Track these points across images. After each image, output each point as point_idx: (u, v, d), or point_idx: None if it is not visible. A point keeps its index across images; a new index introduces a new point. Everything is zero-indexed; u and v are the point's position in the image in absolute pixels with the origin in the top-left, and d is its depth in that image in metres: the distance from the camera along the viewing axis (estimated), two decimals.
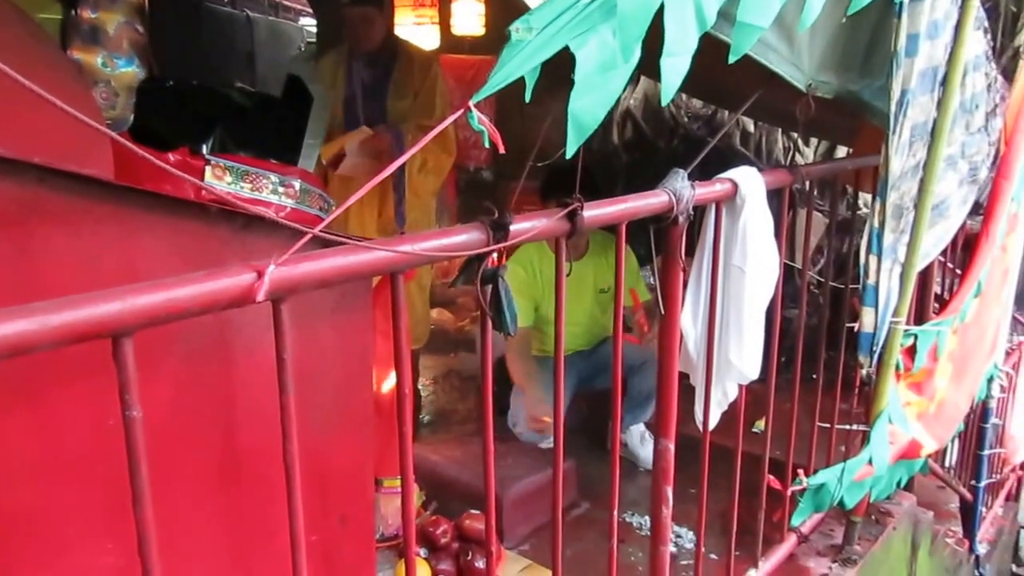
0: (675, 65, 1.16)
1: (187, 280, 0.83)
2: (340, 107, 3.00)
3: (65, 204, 1.09)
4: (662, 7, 1.12)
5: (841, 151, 4.03)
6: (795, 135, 4.20)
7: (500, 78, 0.97)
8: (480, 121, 0.96)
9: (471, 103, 0.96)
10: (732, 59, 1.29)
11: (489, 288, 1.11)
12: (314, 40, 5.88)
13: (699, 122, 4.50)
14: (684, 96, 4.40)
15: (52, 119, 1.09)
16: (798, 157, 4.29)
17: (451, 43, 4.16)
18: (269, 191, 1.35)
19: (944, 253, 2.75)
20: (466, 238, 1.08)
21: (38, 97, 1.04)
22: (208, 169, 1.28)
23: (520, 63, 0.98)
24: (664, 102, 1.17)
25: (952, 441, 3.24)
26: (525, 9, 3.48)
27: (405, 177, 2.97)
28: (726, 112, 4.30)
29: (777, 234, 1.70)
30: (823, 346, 2.33)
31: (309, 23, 6.71)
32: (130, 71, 1.31)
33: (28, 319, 0.71)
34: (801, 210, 3.19)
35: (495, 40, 4.25)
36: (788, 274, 2.88)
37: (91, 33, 1.27)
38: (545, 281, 2.80)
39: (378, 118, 2.97)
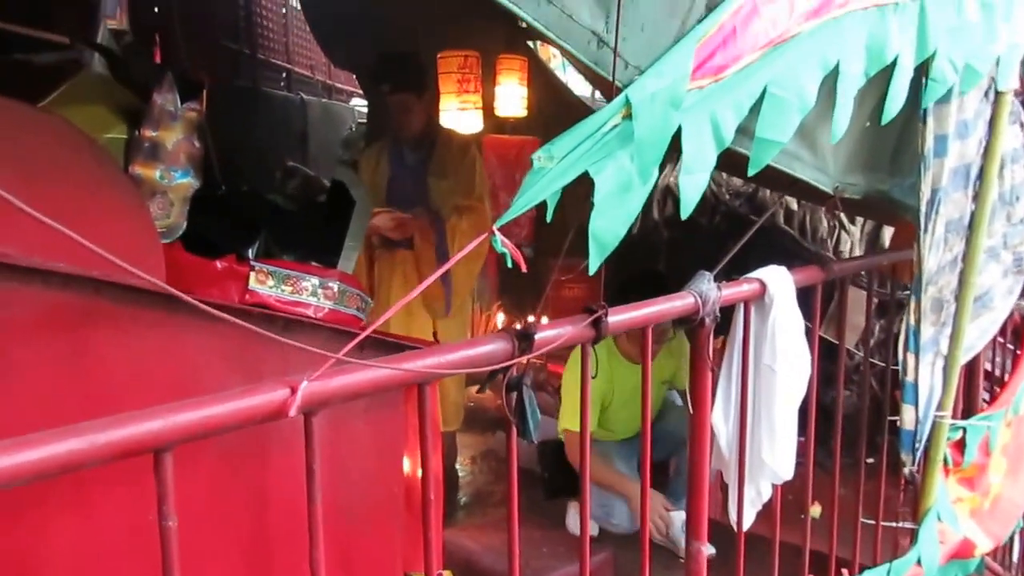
0: (694, 182, 1.22)
1: (223, 397, 0.90)
2: (384, 187, 3.16)
3: (119, 311, 1.19)
4: (679, 129, 1.19)
5: (890, 229, 4.01)
6: (840, 213, 4.20)
7: (523, 202, 1.05)
8: (503, 244, 1.04)
9: (495, 227, 1.03)
10: (751, 172, 1.34)
11: (514, 396, 1.17)
12: (364, 120, 6.15)
13: (740, 199, 4.53)
14: (724, 175, 4.46)
15: (110, 233, 1.20)
16: (843, 235, 4.28)
17: (495, 124, 4.35)
18: (309, 293, 1.44)
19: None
20: (492, 348, 1.14)
21: (98, 214, 1.15)
22: (252, 275, 1.38)
23: (542, 188, 1.06)
24: (683, 216, 1.23)
25: (1012, 537, 3.13)
26: (565, 92, 3.63)
27: (452, 269, 3.06)
28: (768, 190, 4.34)
29: (809, 332, 1.73)
30: (864, 430, 2.29)
31: (360, 103, 7.02)
32: (185, 182, 1.43)
33: (77, 438, 0.79)
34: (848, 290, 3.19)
35: (537, 121, 4.42)
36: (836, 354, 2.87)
37: (152, 150, 1.40)
38: (616, 382, 2.81)
39: (419, 196, 3.12)
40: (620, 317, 1.31)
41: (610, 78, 1.09)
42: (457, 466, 3.63)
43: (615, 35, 1.06)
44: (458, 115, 3.99)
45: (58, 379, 1.15)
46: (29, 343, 1.11)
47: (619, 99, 1.11)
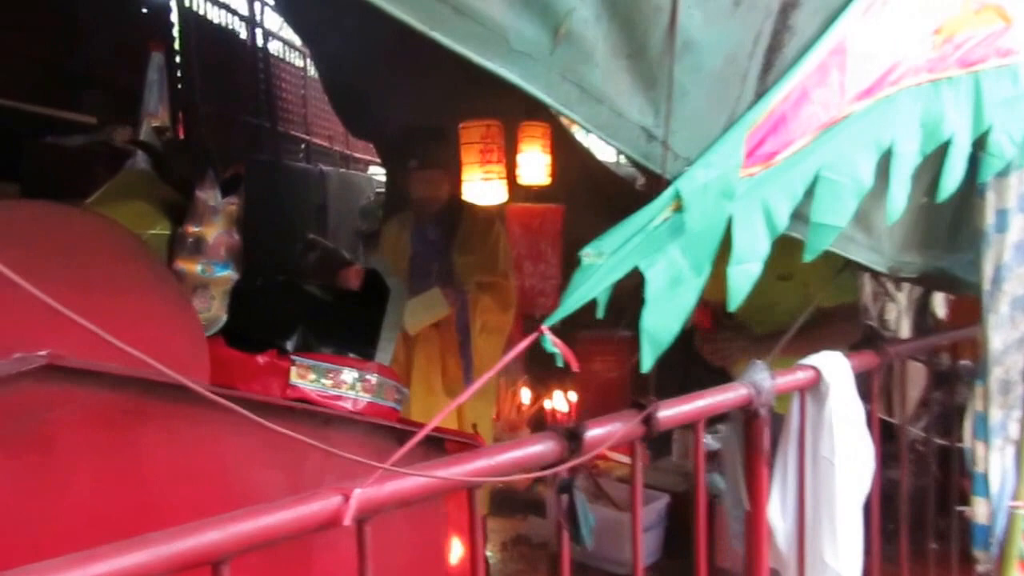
0: (745, 272, 1.28)
1: (279, 506, 0.96)
2: (406, 264, 3.27)
3: (168, 409, 1.28)
4: (731, 219, 1.25)
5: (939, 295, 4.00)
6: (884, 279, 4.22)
7: (573, 301, 1.11)
8: (553, 343, 1.10)
9: (544, 327, 1.09)
10: (808, 258, 1.40)
11: (565, 498, 1.21)
12: (383, 190, 6.33)
13: None
14: None
15: (159, 333, 1.29)
16: (890, 306, 4.28)
17: (518, 193, 4.51)
18: (348, 387, 1.51)
19: None
20: (540, 448, 1.18)
21: (148, 314, 1.24)
22: (293, 369, 1.46)
23: (592, 286, 1.12)
24: (731, 308, 1.28)
25: None
26: (588, 157, 3.74)
27: (471, 341, 3.15)
28: None
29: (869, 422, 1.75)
30: (928, 515, 2.28)
31: (378, 172, 7.26)
32: (226, 275, 1.53)
33: (142, 551, 0.85)
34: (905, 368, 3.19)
35: (561, 188, 4.53)
36: (888, 431, 2.86)
37: (194, 245, 1.51)
38: None
39: (443, 272, 3.21)
40: (672, 412, 1.36)
41: (659, 171, 1.16)
42: (488, 553, 3.63)
43: (664, 129, 1.13)
44: (482, 186, 4.13)
45: (108, 477, 1.23)
46: (81, 443, 1.19)
47: (669, 192, 1.17)
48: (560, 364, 1.12)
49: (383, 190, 6.33)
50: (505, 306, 3.21)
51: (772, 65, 1.30)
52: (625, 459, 4.28)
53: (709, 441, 3.06)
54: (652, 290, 1.16)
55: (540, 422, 4.30)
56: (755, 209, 1.30)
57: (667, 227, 1.17)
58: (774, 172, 1.32)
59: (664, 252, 1.17)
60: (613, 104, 1.07)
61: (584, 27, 0.99)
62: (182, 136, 3.87)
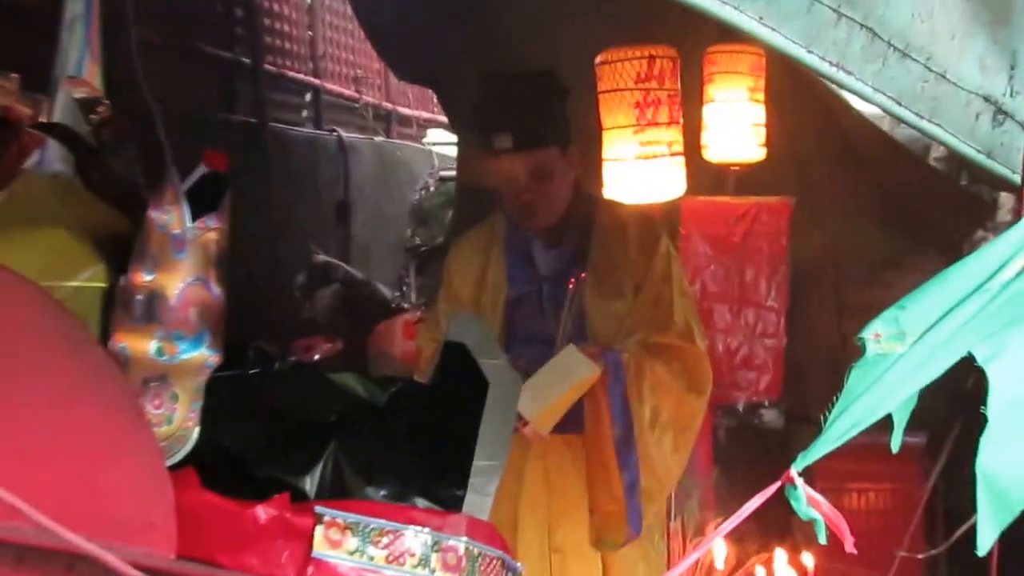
0: None
1: None
2: (500, 312, 3.19)
3: None
4: None
5: None
6: None
7: (848, 424, 1.05)
8: (810, 502, 1.05)
9: (793, 472, 1.05)
10: None
11: None
12: (452, 172, 6.32)
13: None
14: None
15: (88, 467, 1.29)
16: None
17: (703, 177, 4.27)
18: (416, 562, 1.47)
19: None
20: None
21: (65, 437, 1.25)
22: (319, 530, 1.42)
23: (884, 395, 1.05)
24: None
25: None
26: (837, 109, 3.69)
27: (634, 440, 3.01)
28: None
29: None
30: None
31: (444, 140, 7.26)
32: (196, 356, 1.51)
33: None
34: None
35: (786, 165, 4.32)
36: None
37: (145, 306, 1.49)
38: None
39: (569, 328, 3.12)
40: None
41: (1014, 176, 1.11)
42: None
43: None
44: (637, 169, 3.99)
45: None
46: None
47: None
48: (822, 539, 1.08)
49: (452, 171, 6.28)
50: (696, 385, 3.02)
51: None
52: None
53: None
54: (999, 400, 1.10)
55: None
56: None
57: (1018, 286, 1.12)
58: None
59: (1018, 328, 1.11)
60: (930, 57, 1.01)
61: None
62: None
